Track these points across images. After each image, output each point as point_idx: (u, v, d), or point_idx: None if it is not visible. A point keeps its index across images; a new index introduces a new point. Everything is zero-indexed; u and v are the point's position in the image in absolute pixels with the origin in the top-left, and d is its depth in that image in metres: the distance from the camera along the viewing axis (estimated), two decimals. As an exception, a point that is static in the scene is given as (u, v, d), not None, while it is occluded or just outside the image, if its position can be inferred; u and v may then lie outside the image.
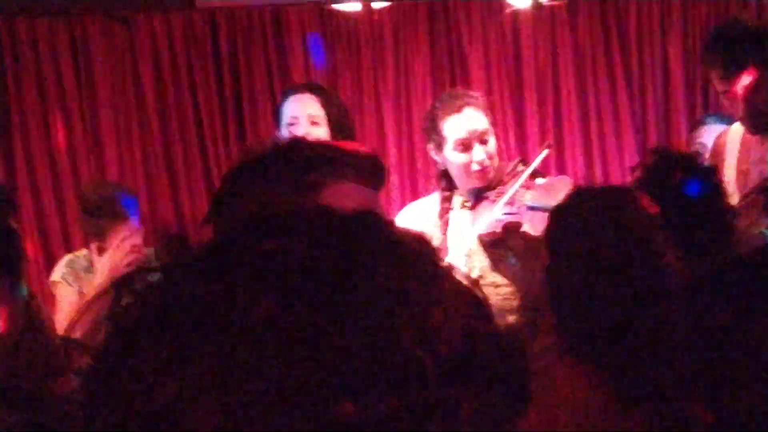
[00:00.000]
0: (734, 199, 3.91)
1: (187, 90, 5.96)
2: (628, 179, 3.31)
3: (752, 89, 4.08)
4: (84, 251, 4.88)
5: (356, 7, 5.91)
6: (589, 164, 6.18)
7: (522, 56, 6.19)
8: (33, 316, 2.53)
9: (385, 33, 6.07)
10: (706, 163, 4.11)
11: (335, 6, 5.90)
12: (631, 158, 5.89)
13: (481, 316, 0.85)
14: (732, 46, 4.08)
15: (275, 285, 0.79)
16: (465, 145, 4.32)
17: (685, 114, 6.21)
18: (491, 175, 4.36)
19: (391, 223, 0.90)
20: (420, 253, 0.86)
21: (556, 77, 6.18)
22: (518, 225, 4.21)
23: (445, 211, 4.45)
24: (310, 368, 0.76)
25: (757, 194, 4.03)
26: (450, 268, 0.87)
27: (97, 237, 4.68)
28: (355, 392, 0.76)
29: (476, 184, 4.38)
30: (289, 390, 0.76)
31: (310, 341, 0.77)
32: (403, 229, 0.89)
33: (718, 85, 4.18)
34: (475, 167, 4.33)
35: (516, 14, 6.11)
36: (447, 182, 4.48)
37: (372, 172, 1.87)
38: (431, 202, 4.53)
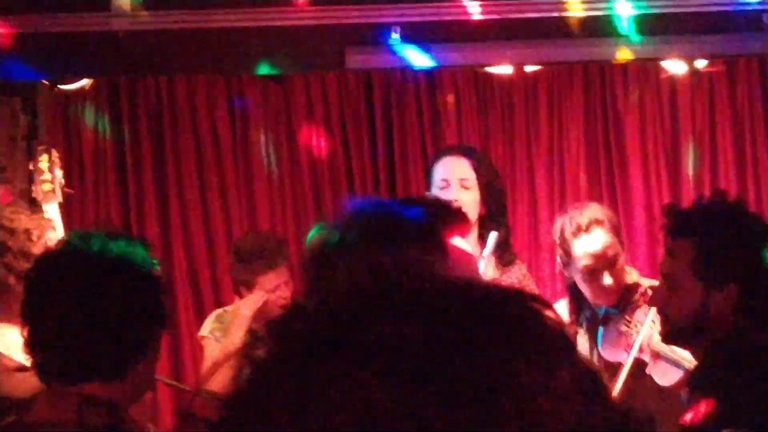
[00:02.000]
0: None
1: (340, 148, 6.01)
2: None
3: None
4: (234, 306, 4.92)
5: (509, 70, 5.89)
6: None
7: (679, 121, 6.06)
8: None
9: (539, 96, 6.03)
10: None
11: (488, 69, 5.88)
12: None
13: (598, 404, 0.82)
14: None
15: (383, 368, 0.78)
16: (592, 272, 4.19)
17: None
18: (617, 295, 4.24)
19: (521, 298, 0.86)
20: (543, 335, 0.83)
21: (714, 144, 6.03)
22: (645, 365, 4.11)
23: (571, 326, 4.32)
24: None
25: None
26: (573, 348, 0.84)
27: (246, 285, 4.72)
28: None
29: (603, 303, 4.27)
30: None
31: (411, 426, 0.76)
32: (534, 299, 0.86)
33: None
34: (601, 291, 4.23)
35: (673, 79, 5.99)
36: (574, 296, 4.35)
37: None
38: (561, 308, 4.34)
